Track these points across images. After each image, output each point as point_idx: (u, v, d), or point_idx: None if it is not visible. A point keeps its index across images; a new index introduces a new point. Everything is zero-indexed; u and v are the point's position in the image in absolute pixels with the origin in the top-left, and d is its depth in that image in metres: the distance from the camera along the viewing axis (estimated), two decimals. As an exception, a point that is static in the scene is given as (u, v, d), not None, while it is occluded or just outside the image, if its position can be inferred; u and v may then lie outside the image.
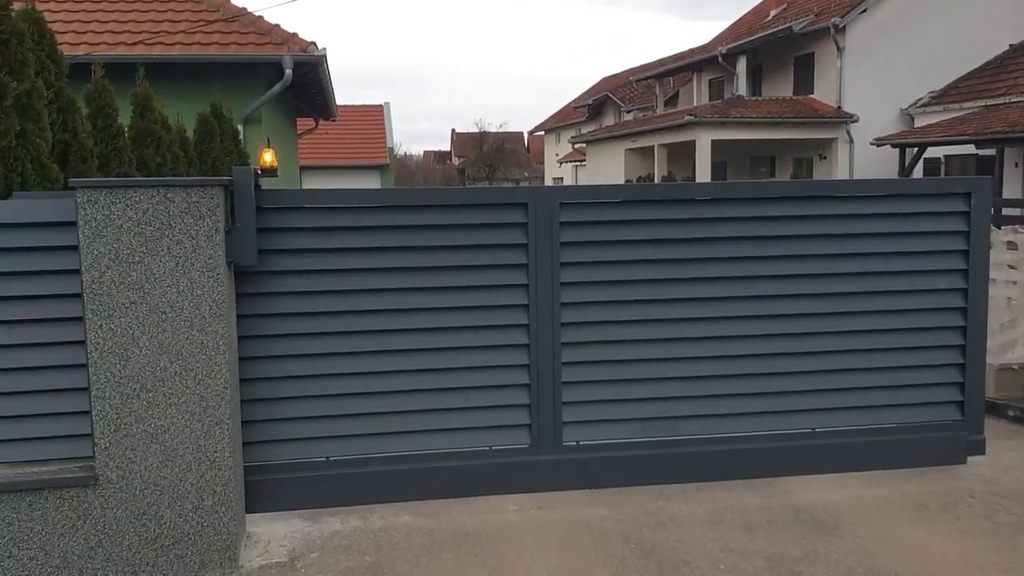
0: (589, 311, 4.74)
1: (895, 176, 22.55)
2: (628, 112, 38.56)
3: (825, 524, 4.60)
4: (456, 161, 70.50)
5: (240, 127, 15.55)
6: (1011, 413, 6.43)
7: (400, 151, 71.79)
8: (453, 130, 77.49)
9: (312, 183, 34.28)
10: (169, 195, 3.92)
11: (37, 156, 5.14)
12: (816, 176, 25.64)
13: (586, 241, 4.70)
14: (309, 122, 25.69)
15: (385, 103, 36.30)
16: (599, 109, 43.08)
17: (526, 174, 63.89)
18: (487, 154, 58.91)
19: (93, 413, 3.96)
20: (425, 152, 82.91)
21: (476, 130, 62.54)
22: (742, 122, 24.83)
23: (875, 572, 4.09)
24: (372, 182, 36.32)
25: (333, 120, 25.78)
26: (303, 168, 33.50)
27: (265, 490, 4.52)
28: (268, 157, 4.22)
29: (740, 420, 4.97)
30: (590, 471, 4.83)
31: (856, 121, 24.41)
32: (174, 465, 4.04)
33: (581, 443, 4.82)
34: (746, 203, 4.83)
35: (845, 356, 5.01)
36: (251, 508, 4.51)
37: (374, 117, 36.59)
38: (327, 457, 4.55)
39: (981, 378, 5.14)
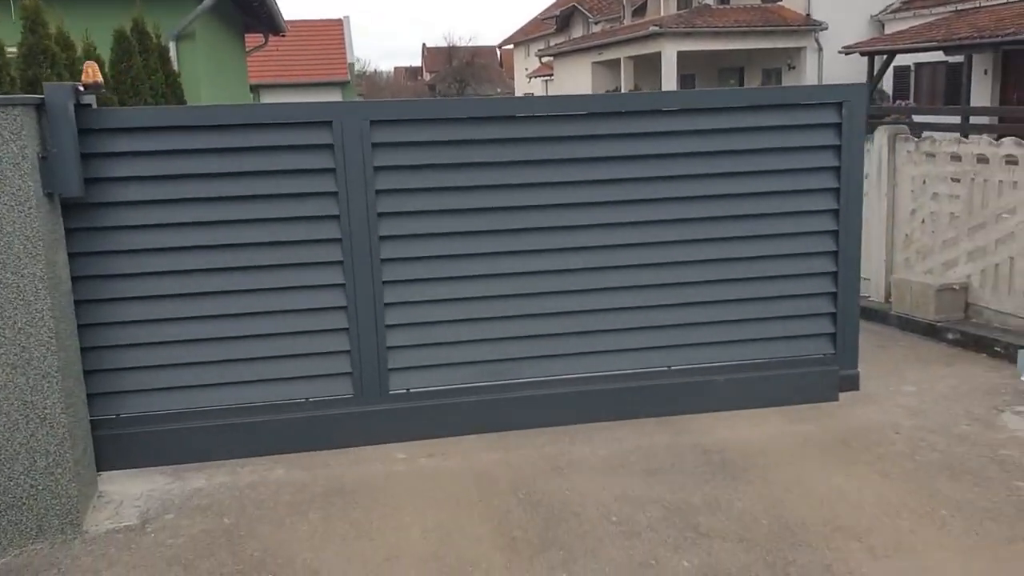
0: (412, 245, 4.25)
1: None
2: (596, 24, 37.46)
3: (735, 466, 4.24)
4: (427, 77, 69.00)
5: (172, 45, 14.70)
6: (950, 336, 6.07)
7: (369, 67, 70.10)
8: (424, 44, 75.67)
9: (269, 102, 33.21)
10: (-22, 114, 3.37)
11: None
12: (785, 87, 24.99)
13: (403, 165, 4.17)
14: (259, 38, 24.64)
15: (345, 17, 35.11)
16: (567, 20, 41.85)
17: (499, 89, 62.74)
18: (457, 69, 57.55)
19: (-99, 367, 3.49)
20: (396, 68, 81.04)
21: (446, 44, 61.04)
22: (708, 32, 24.06)
23: (780, 523, 3.73)
24: (333, 98, 35.30)
25: (282, 35, 24.78)
26: (262, 86, 32.48)
27: (119, 445, 4.11)
28: (91, 71, 3.64)
29: (586, 360, 4.54)
30: (423, 421, 4.42)
31: (825, 29, 23.69)
32: (21, 411, 3.59)
33: (412, 391, 4.40)
34: (580, 120, 4.29)
35: (703, 287, 4.57)
36: (106, 465, 4.11)
37: (334, 32, 35.40)
38: (182, 409, 4.12)
39: (854, 307, 4.73)
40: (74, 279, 3.92)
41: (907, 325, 6.42)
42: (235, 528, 3.75)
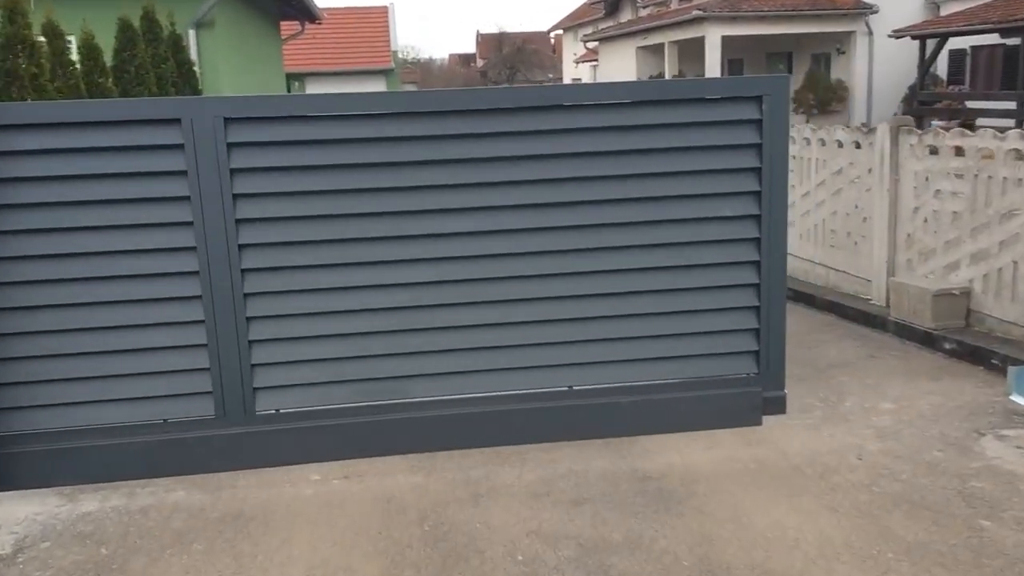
0: (275, 254, 3.92)
1: (914, 71, 21.05)
2: (644, 8, 36.71)
3: (671, 496, 3.87)
4: (480, 63, 68.70)
5: (192, 33, 14.58)
6: (948, 346, 5.58)
7: (423, 54, 70.00)
8: (478, 31, 75.38)
9: (314, 91, 33.31)
10: None
11: None
12: (835, 72, 24.12)
13: (262, 167, 3.85)
14: (295, 26, 24.62)
15: (390, 3, 35.03)
16: (616, 5, 41.09)
17: (550, 75, 62.09)
18: (507, 56, 57.12)
19: None
20: (450, 55, 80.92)
21: (497, 31, 60.63)
22: (754, 16, 23.30)
23: (703, 566, 3.36)
24: (376, 88, 35.32)
25: (318, 23, 24.72)
26: (305, 75, 32.56)
27: (12, 465, 3.87)
28: None
29: (475, 379, 4.17)
30: (296, 444, 4.10)
31: (876, 12, 22.78)
32: None
33: (282, 411, 4.08)
34: (464, 117, 3.92)
35: (606, 300, 4.16)
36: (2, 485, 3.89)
37: (378, 19, 35.35)
38: (58, 428, 3.90)
39: (780, 323, 4.26)
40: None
41: (904, 332, 5.93)
42: (109, 560, 3.51)
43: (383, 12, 35.48)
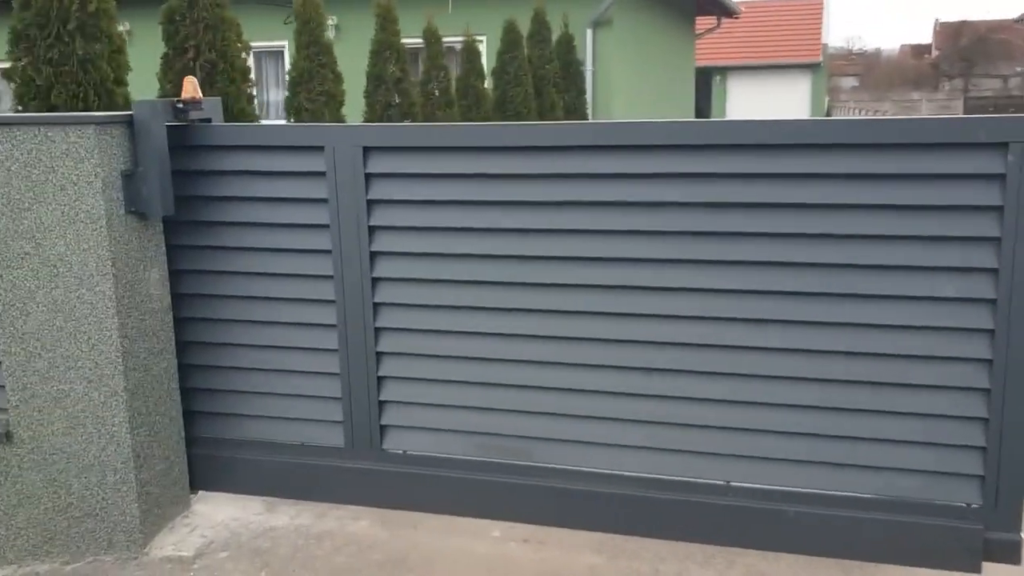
0: (411, 290, 3.68)
1: None
2: None
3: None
4: (933, 55, 62.59)
5: (588, 32, 14.80)
6: None
7: (869, 45, 65.48)
8: (936, 20, 68.73)
9: (735, 86, 32.59)
10: (49, 134, 3.44)
11: (101, 81, 4.98)
12: None
13: (401, 200, 3.63)
14: (712, 20, 24.26)
15: (827, -6, 33.10)
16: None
17: (1017, 69, 54.71)
18: (966, 47, 51.28)
19: (3, 367, 3.70)
20: (902, 46, 74.73)
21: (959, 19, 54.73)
22: None
23: None
24: (800, 85, 33.75)
25: (735, 17, 24.02)
26: (726, 68, 31.94)
27: (218, 468, 4.02)
28: (190, 87, 3.51)
29: (614, 454, 3.60)
30: (420, 490, 3.82)
31: None
32: (77, 434, 3.66)
33: (408, 453, 3.81)
34: (645, 153, 3.36)
35: (782, 384, 3.41)
36: (207, 486, 4.06)
37: (811, 11, 33.62)
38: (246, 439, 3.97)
39: (1021, 442, 3.18)
40: (180, 296, 3.87)
41: None
42: (266, 581, 3.45)
43: (818, 4, 33.64)
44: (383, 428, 3.83)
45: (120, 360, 3.55)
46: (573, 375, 3.60)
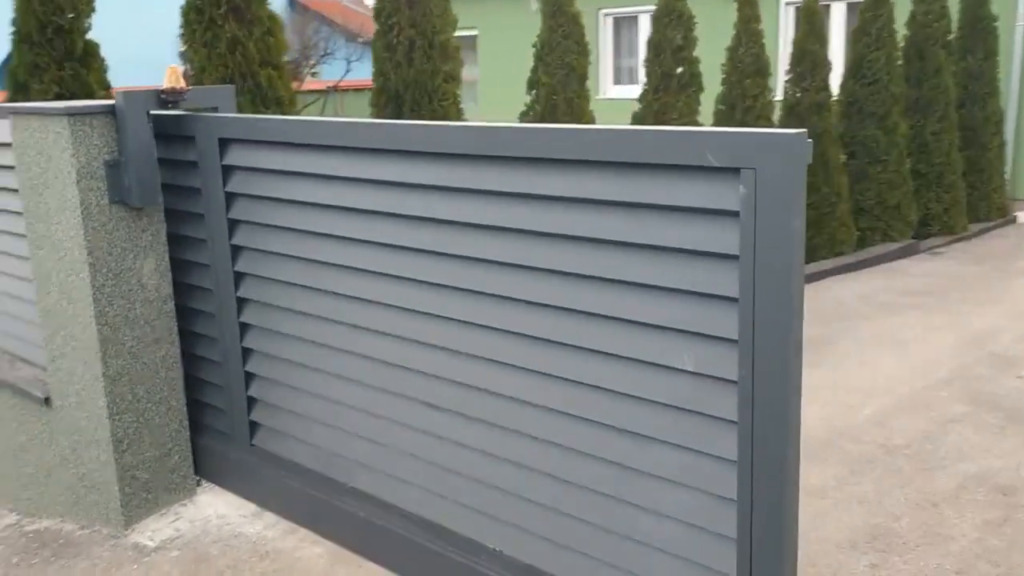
0: (268, 290, 3.57)
1: None
2: None
3: None
4: None
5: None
6: None
7: None
8: None
9: None
10: (45, 123, 3.60)
11: (247, 63, 5.10)
12: None
13: (254, 195, 3.43)
14: None
15: None
16: None
17: None
18: None
19: (43, 336, 3.99)
20: None
21: None
22: None
23: None
24: None
25: None
26: None
27: (226, 467, 4.00)
28: (171, 77, 3.36)
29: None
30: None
31: None
32: (82, 410, 3.83)
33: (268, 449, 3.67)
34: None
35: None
36: (218, 481, 4.06)
37: None
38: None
39: None
40: (188, 287, 3.87)
41: None
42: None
43: None
44: (252, 424, 3.74)
45: (98, 346, 3.62)
46: (396, 403, 3.23)
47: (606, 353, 2.54)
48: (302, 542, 3.65)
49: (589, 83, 7.27)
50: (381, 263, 3.12)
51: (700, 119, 7.93)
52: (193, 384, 4.01)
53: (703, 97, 8.34)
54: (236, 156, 3.50)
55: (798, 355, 2.18)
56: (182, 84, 3.57)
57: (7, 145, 3.82)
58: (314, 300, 3.43)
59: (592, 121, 7.28)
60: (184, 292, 3.91)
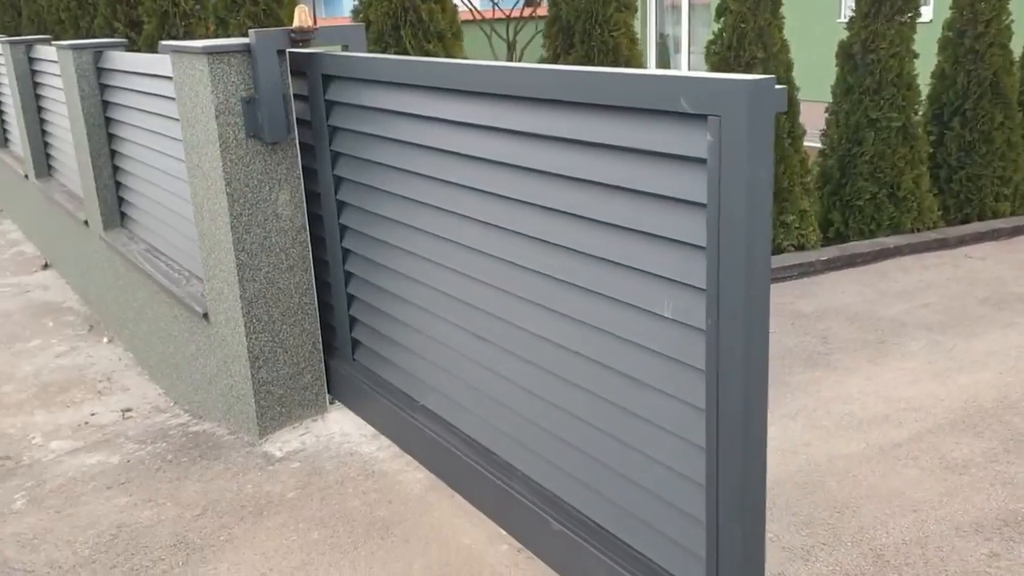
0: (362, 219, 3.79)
1: None
2: None
3: None
4: None
5: None
6: None
7: None
8: None
9: None
10: (192, 61, 3.88)
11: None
12: None
13: (351, 130, 3.63)
14: None
15: None
16: None
17: None
18: None
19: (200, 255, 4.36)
20: None
21: None
22: None
23: None
24: None
25: None
26: None
27: (355, 391, 4.24)
28: (302, 15, 3.47)
29: None
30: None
31: None
32: (229, 327, 4.18)
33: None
34: None
35: None
36: (347, 403, 4.32)
37: None
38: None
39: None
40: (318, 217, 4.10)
41: None
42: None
43: None
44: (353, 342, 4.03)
45: (235, 271, 3.93)
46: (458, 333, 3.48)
47: (605, 296, 2.61)
48: (407, 467, 3.83)
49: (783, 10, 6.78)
50: (447, 200, 3.25)
51: (916, 48, 7.23)
52: (325, 309, 4.25)
53: (924, 25, 7.58)
54: (336, 92, 3.70)
55: (763, 306, 2.15)
56: (310, 23, 3.72)
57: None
58: (395, 231, 3.62)
59: (785, 52, 6.82)
60: (315, 222, 4.13)
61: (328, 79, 3.71)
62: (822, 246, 7.04)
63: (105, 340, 6.17)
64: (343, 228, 3.96)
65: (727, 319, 2.17)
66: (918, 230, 7.40)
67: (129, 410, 5.04)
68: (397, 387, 3.88)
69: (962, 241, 7.37)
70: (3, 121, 9.40)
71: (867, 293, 6.22)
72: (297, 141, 3.97)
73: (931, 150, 7.82)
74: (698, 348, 2.28)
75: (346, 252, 4.01)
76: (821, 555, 3.26)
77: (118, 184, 5.62)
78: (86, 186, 5.81)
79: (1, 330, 6.47)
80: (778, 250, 6.74)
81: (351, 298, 4.07)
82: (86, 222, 6.06)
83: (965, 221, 7.89)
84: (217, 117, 3.74)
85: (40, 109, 7.38)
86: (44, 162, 7.68)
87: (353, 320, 4.13)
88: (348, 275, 4.03)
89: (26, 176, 8.02)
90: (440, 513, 3.52)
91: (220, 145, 3.77)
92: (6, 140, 9.41)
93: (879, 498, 3.62)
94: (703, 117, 2.07)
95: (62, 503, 3.89)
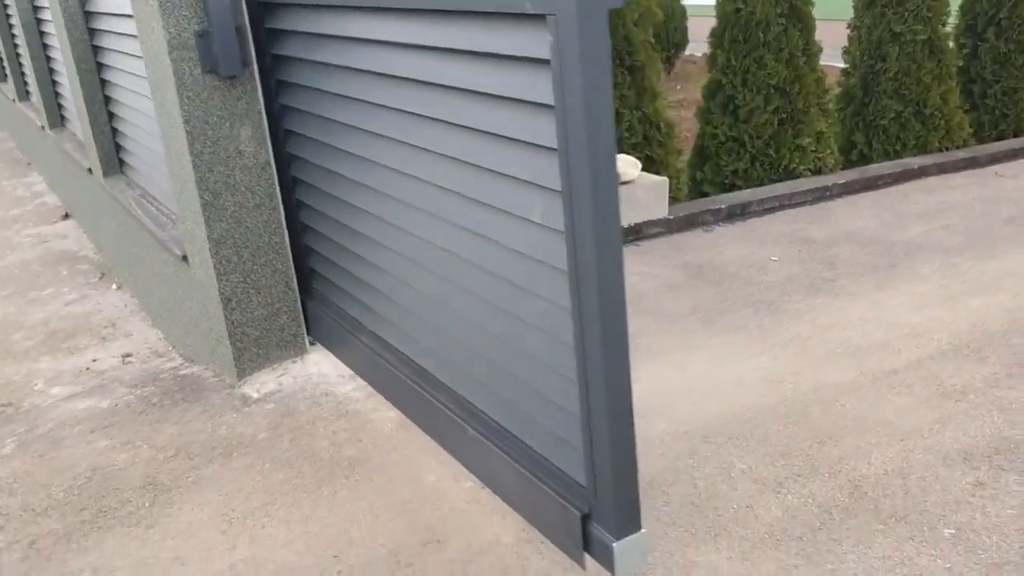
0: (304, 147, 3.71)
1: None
2: None
3: None
4: None
5: None
6: None
7: None
8: None
9: None
10: (147, -5, 3.77)
11: None
12: None
13: (288, 56, 3.55)
14: None
15: None
16: None
17: None
18: None
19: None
20: None
21: None
22: None
23: None
24: None
25: None
26: None
27: (331, 332, 4.18)
28: None
29: None
30: None
31: None
32: (203, 269, 4.13)
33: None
34: None
35: None
36: (326, 345, 4.26)
37: None
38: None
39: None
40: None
41: None
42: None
43: None
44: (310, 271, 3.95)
45: (201, 211, 3.86)
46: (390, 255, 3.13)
47: (484, 204, 2.61)
48: (380, 406, 3.77)
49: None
50: (361, 119, 3.21)
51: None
52: (299, 249, 4.17)
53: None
54: (273, 19, 3.56)
55: (612, 209, 2.12)
56: (258, -50, 3.57)
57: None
58: (325, 155, 3.58)
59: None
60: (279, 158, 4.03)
61: (262, 6, 3.58)
62: (843, 169, 6.74)
63: (114, 287, 6.20)
64: (291, 156, 3.87)
65: (579, 220, 2.15)
66: (946, 149, 7.05)
67: (129, 355, 5.04)
68: (364, 324, 3.80)
69: (994, 159, 7.01)
70: (23, 74, 9.42)
71: (884, 216, 5.95)
72: (256, 74, 3.85)
73: (963, 64, 7.42)
74: (560, 250, 2.27)
75: (295, 182, 3.92)
76: (794, 487, 3.12)
77: (115, 131, 5.58)
78: (85, 133, 5.78)
79: (18, 279, 6.54)
80: (793, 175, 6.48)
81: (305, 229, 3.99)
82: (90, 170, 6.04)
83: (1000, 138, 7.50)
84: (170, 53, 3.64)
85: (48, 58, 7.35)
86: (56, 112, 7.68)
87: (313, 255, 4.06)
88: (300, 205, 3.95)
89: (43, 127, 8.04)
90: (408, 451, 3.46)
91: (176, 82, 3.67)
92: (27, 92, 9.44)
93: (864, 428, 3.46)
94: (543, 17, 2.04)
95: (46, 447, 3.91)
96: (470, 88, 2.45)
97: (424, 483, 3.25)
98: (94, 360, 4.99)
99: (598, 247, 2.12)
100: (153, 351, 4.99)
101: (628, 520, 2.39)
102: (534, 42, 2.10)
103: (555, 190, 2.22)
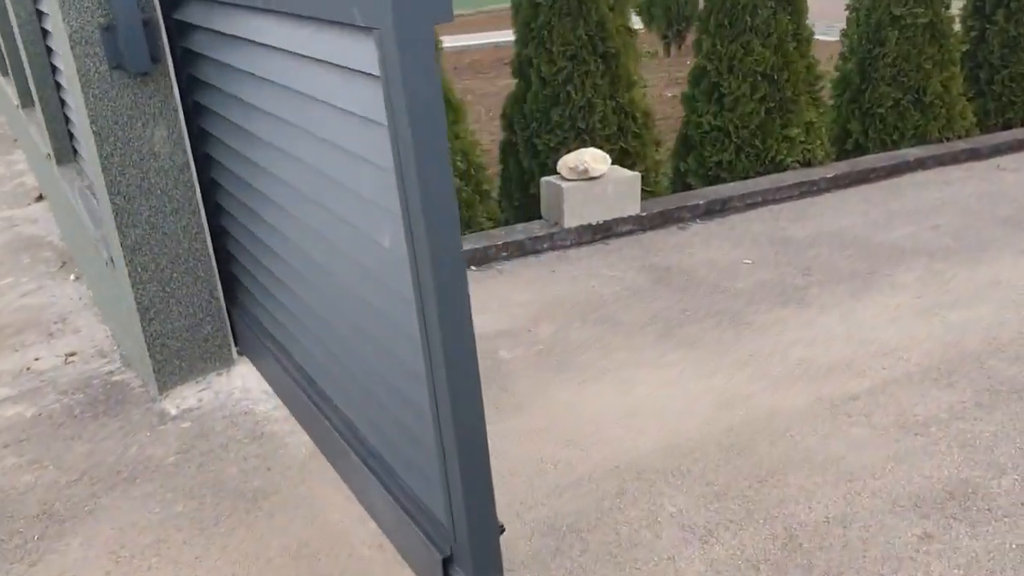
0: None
1: None
2: None
3: None
4: None
5: None
6: None
7: None
8: None
9: None
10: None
11: None
12: None
13: (196, 52, 3.33)
14: None
15: None
16: None
17: None
18: None
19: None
20: None
21: None
22: None
23: None
24: None
25: None
26: None
27: (257, 347, 3.95)
28: None
29: None
30: None
31: None
32: (118, 278, 3.92)
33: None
34: None
35: None
36: (252, 358, 4.03)
37: None
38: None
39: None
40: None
41: None
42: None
43: None
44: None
45: (113, 216, 3.62)
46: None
47: (344, 221, 2.45)
48: (296, 428, 3.54)
49: None
50: (255, 125, 3.01)
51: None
52: (223, 256, 3.92)
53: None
54: (180, 11, 3.31)
55: (450, 230, 1.94)
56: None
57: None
58: (236, 159, 3.36)
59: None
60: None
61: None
62: (835, 161, 6.39)
63: (72, 278, 6.00)
64: (207, 159, 3.62)
65: (418, 246, 1.97)
66: (947, 139, 6.67)
67: (73, 354, 4.84)
68: (275, 337, 3.56)
69: (997, 150, 6.63)
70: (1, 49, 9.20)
71: (872, 214, 5.62)
72: (172, 70, 3.58)
73: (970, 48, 7.02)
74: (404, 275, 2.07)
75: (213, 184, 3.68)
76: (724, 536, 2.86)
77: (67, 118, 5.34)
78: (39, 119, 5.55)
79: (-20, 267, 6.37)
80: (780, 167, 6.14)
81: (225, 234, 3.75)
82: (48, 155, 5.82)
83: (1007, 127, 7.10)
84: (73, 48, 3.38)
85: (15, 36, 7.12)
86: (28, 91, 7.46)
87: (233, 261, 3.82)
88: (219, 209, 3.71)
89: (17, 106, 7.83)
90: (316, 483, 3.23)
91: (80, 79, 3.41)
92: (7, 68, 9.24)
93: (812, 465, 3.18)
94: (370, 30, 1.82)
95: (-43, 463, 3.72)
96: (326, 100, 2.24)
97: (328, 523, 3.02)
98: (36, 359, 4.80)
99: (435, 273, 1.93)
100: (98, 350, 4.78)
101: (486, 566, 2.16)
102: (368, 57, 1.87)
103: (396, 213, 2.00)
